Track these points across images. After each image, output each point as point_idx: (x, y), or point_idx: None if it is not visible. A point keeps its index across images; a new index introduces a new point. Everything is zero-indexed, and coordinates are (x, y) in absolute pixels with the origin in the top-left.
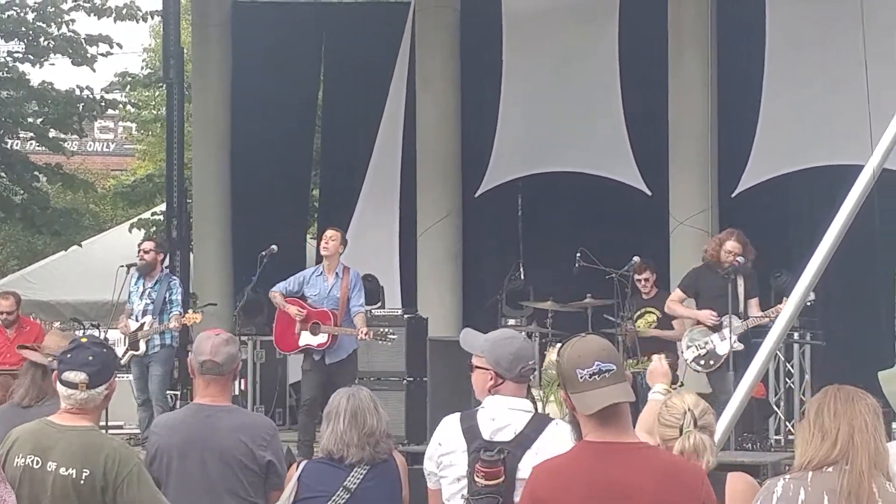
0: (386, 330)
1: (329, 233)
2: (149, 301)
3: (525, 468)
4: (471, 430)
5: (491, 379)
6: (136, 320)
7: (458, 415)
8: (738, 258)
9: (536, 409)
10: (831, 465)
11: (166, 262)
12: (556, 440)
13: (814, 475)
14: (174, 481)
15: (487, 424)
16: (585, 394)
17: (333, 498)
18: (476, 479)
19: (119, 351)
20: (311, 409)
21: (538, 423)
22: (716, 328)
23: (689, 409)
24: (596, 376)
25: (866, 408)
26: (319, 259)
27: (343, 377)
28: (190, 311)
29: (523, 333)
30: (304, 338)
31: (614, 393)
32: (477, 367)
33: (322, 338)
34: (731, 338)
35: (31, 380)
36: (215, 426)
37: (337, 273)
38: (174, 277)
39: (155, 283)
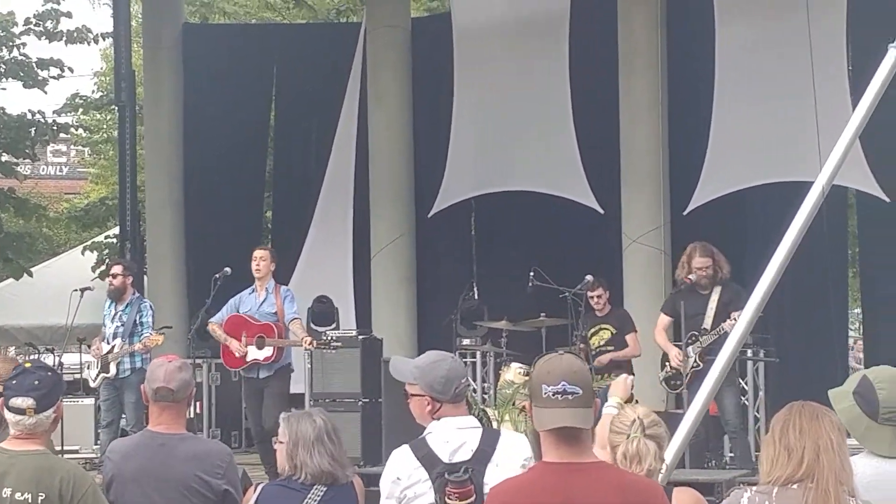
0: (329, 337)
1: (258, 253)
2: (119, 324)
3: (490, 481)
4: (428, 458)
5: (428, 404)
6: (108, 343)
7: (406, 447)
8: (701, 278)
9: (490, 425)
10: (796, 483)
11: (134, 284)
12: (513, 447)
13: (779, 490)
14: None
15: (442, 448)
16: (543, 410)
17: None
18: (448, 501)
19: (92, 374)
20: (264, 437)
21: (491, 437)
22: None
23: (638, 418)
24: (559, 395)
25: (831, 425)
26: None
27: (274, 395)
28: (152, 332)
29: (452, 354)
30: (250, 353)
31: (570, 416)
32: (412, 394)
33: (268, 351)
34: (692, 357)
35: None
36: (169, 455)
37: (267, 289)
38: (145, 300)
39: (126, 307)
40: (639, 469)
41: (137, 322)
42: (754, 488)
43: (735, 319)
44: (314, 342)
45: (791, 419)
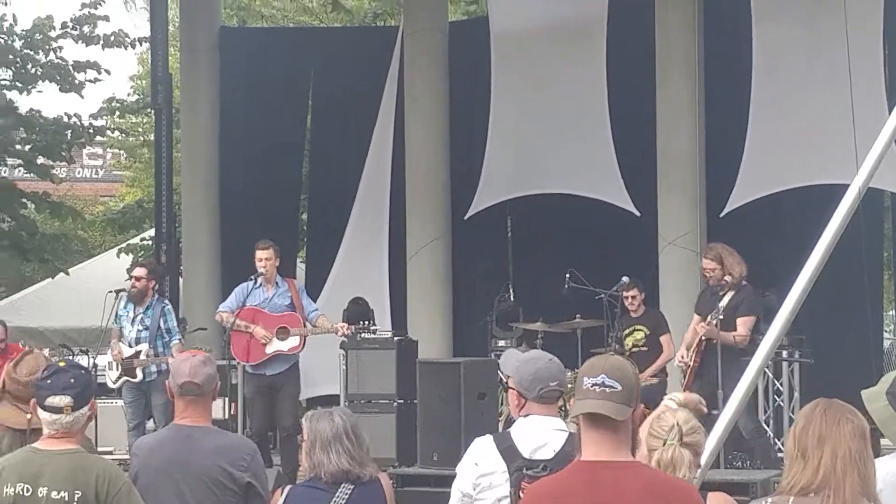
0: (366, 322)
1: (264, 253)
2: (142, 328)
3: None
4: (509, 451)
5: (517, 398)
6: (130, 346)
7: (489, 437)
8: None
9: None
10: (813, 492)
11: (156, 287)
12: None
13: (795, 500)
14: (153, 501)
15: (525, 443)
16: (580, 401)
17: None
18: (522, 495)
19: (112, 375)
20: (261, 439)
21: (577, 442)
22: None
23: (677, 424)
24: (597, 387)
25: (852, 432)
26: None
27: (287, 392)
28: (180, 339)
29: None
30: (273, 345)
31: (601, 405)
32: (510, 386)
33: (294, 341)
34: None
35: (8, 447)
36: (195, 447)
37: (277, 283)
38: (167, 302)
39: (147, 309)
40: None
41: (163, 328)
42: (771, 499)
43: (704, 328)
44: (352, 327)
45: (812, 422)
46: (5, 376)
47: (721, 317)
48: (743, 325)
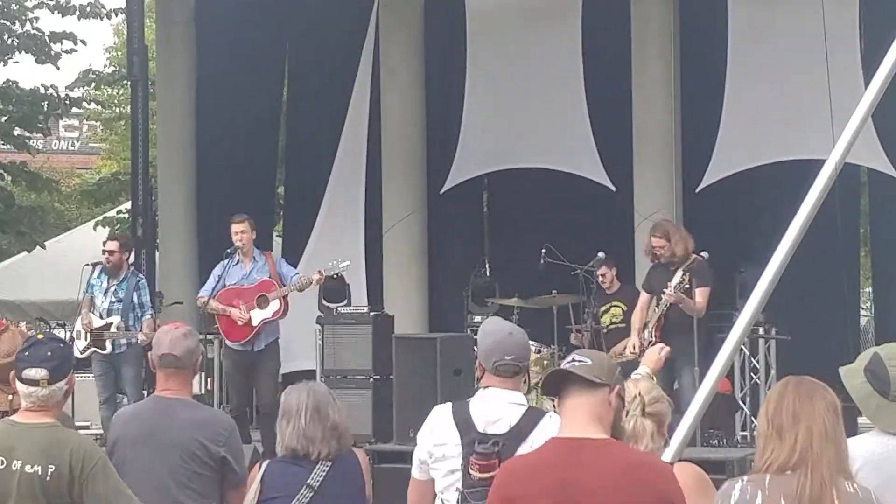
0: (335, 263)
1: (238, 227)
2: (115, 299)
3: None
4: (464, 423)
5: (480, 369)
6: (101, 317)
7: (449, 405)
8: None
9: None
10: (790, 470)
11: (131, 260)
12: (551, 433)
13: (772, 478)
14: (128, 471)
15: (481, 416)
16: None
17: (297, 497)
18: (471, 471)
19: (80, 345)
20: (240, 414)
21: (532, 417)
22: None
23: (639, 395)
24: (567, 364)
25: (825, 408)
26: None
27: (266, 368)
28: (151, 314)
29: (518, 328)
30: (256, 316)
31: (568, 368)
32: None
33: (275, 305)
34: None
35: None
36: (172, 418)
37: (255, 258)
38: (141, 276)
39: (122, 282)
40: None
41: (136, 302)
42: (746, 478)
43: (671, 290)
44: (322, 272)
45: (784, 400)
46: None
47: (687, 286)
48: (701, 294)
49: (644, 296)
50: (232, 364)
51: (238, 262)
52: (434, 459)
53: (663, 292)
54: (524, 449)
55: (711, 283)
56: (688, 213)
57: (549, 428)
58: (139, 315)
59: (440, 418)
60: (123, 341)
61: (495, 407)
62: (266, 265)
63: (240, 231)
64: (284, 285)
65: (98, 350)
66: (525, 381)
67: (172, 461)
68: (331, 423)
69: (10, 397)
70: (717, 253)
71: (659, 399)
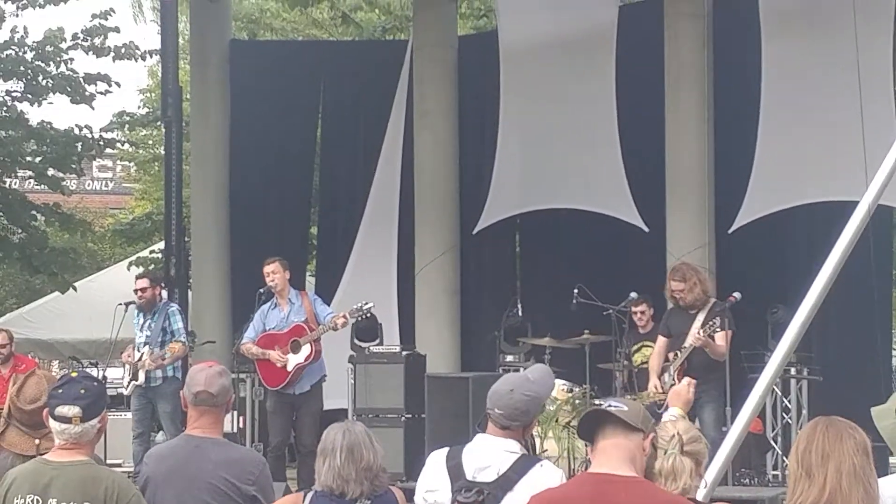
0: (359, 305)
1: (269, 268)
2: (148, 332)
3: None
4: (455, 469)
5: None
6: (138, 351)
7: (445, 451)
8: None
9: (532, 445)
10: None
11: (164, 295)
12: (539, 483)
13: None
14: None
15: (471, 462)
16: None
17: None
18: None
19: (125, 381)
20: (279, 453)
21: (522, 465)
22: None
23: (678, 434)
24: (603, 405)
25: (855, 448)
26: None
27: (308, 409)
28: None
29: (531, 389)
30: (291, 362)
31: (609, 411)
32: None
33: (307, 349)
34: (671, 375)
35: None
36: (203, 457)
37: (291, 300)
38: (172, 305)
39: (154, 314)
40: (674, 487)
41: (166, 329)
42: None
43: (699, 334)
44: (346, 315)
45: (814, 440)
46: (10, 402)
47: (720, 329)
48: (723, 339)
49: (661, 340)
50: (273, 403)
51: (276, 305)
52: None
53: (697, 335)
54: (510, 497)
55: (734, 326)
56: (721, 254)
57: (538, 477)
58: (168, 341)
59: (434, 464)
60: (159, 373)
61: (486, 454)
62: (302, 306)
63: (270, 272)
64: (320, 324)
65: (135, 383)
66: (531, 429)
67: (203, 499)
68: (364, 463)
69: (36, 442)
70: (749, 293)
71: (697, 439)
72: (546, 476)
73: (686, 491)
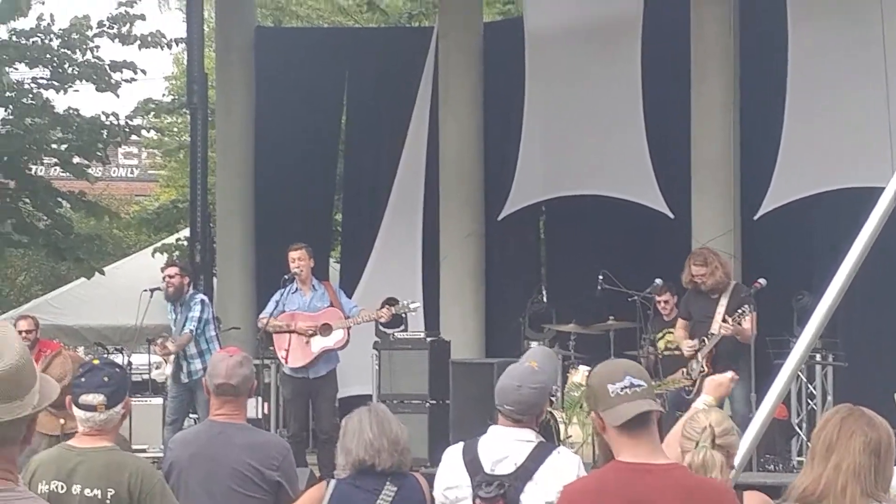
0: (406, 302)
1: (295, 254)
2: (176, 325)
3: (527, 499)
4: (472, 463)
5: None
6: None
7: (459, 446)
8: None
9: (557, 431)
10: (815, 500)
11: (190, 284)
12: (557, 470)
13: None
14: (183, 494)
15: (487, 456)
16: (618, 407)
17: None
18: None
19: (167, 370)
20: (298, 440)
21: (539, 454)
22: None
23: (710, 426)
24: (627, 389)
25: (863, 446)
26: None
27: (325, 395)
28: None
29: (538, 380)
30: (316, 343)
31: (645, 404)
32: None
33: (338, 335)
34: (700, 362)
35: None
36: (226, 443)
37: (314, 286)
38: (197, 295)
39: (182, 306)
40: None
41: (187, 317)
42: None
43: (729, 322)
44: (390, 311)
45: (826, 428)
46: None
47: (748, 314)
48: (749, 322)
49: (681, 322)
50: (290, 390)
51: (297, 290)
52: (448, 502)
53: (726, 325)
54: (531, 486)
55: (756, 309)
56: (746, 240)
57: (556, 464)
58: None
59: (451, 460)
60: (199, 366)
61: (502, 446)
62: (326, 294)
63: (296, 258)
64: (346, 315)
65: (179, 375)
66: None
67: (226, 485)
68: (393, 436)
69: (61, 421)
70: (774, 279)
71: (729, 431)
72: (564, 463)
73: None
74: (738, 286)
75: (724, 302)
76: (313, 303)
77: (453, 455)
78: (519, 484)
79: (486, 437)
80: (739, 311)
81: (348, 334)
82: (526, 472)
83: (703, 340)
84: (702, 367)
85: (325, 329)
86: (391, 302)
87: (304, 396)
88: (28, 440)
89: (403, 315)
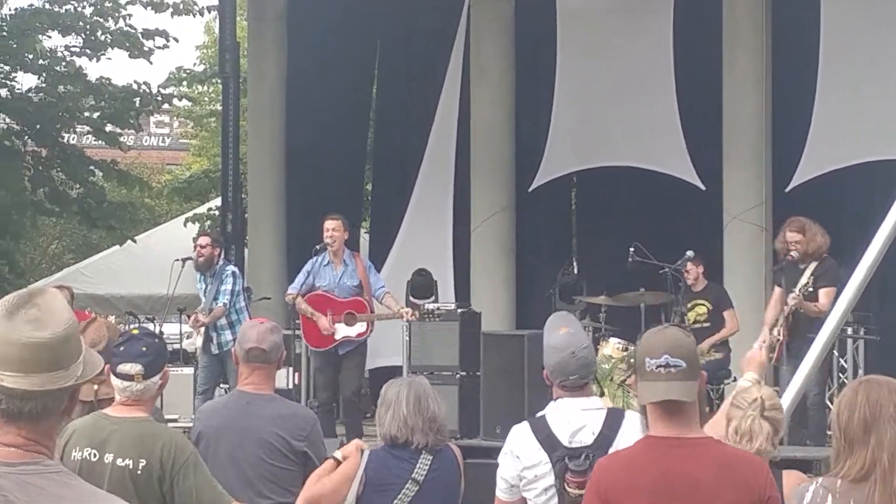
0: (429, 308)
1: (330, 224)
2: (210, 297)
3: None
4: (548, 441)
5: (547, 380)
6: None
7: (526, 426)
8: (791, 253)
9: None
10: (863, 479)
11: (221, 254)
12: (635, 433)
13: (843, 483)
14: (211, 464)
15: (563, 430)
16: (647, 384)
17: (403, 490)
18: (568, 489)
19: (198, 341)
20: (327, 409)
21: (613, 420)
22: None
23: (761, 398)
24: (662, 368)
25: (893, 414)
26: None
27: (352, 366)
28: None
29: (581, 340)
30: (340, 331)
31: (673, 389)
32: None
33: (361, 327)
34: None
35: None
36: (255, 413)
37: (345, 261)
38: (227, 266)
39: (213, 277)
40: (749, 447)
41: (218, 290)
42: (820, 480)
43: (795, 299)
44: (415, 313)
45: (856, 409)
46: None
47: (811, 289)
48: (825, 295)
49: (777, 291)
50: (320, 361)
51: (328, 262)
52: (526, 482)
53: (792, 292)
54: None
55: (838, 283)
56: (777, 213)
57: (631, 428)
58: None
59: (523, 440)
60: (230, 336)
61: (574, 417)
62: (356, 270)
63: (331, 229)
64: (372, 293)
65: (209, 346)
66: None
67: (254, 454)
68: (430, 414)
69: (95, 387)
70: None
71: (778, 407)
72: (635, 425)
73: (760, 453)
74: (826, 260)
75: (808, 272)
76: (343, 280)
77: (523, 435)
78: (601, 452)
79: (553, 411)
80: (805, 283)
81: (371, 327)
82: (606, 439)
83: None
84: (780, 335)
85: (350, 318)
86: (418, 283)
87: (333, 367)
88: (69, 412)
89: (427, 316)
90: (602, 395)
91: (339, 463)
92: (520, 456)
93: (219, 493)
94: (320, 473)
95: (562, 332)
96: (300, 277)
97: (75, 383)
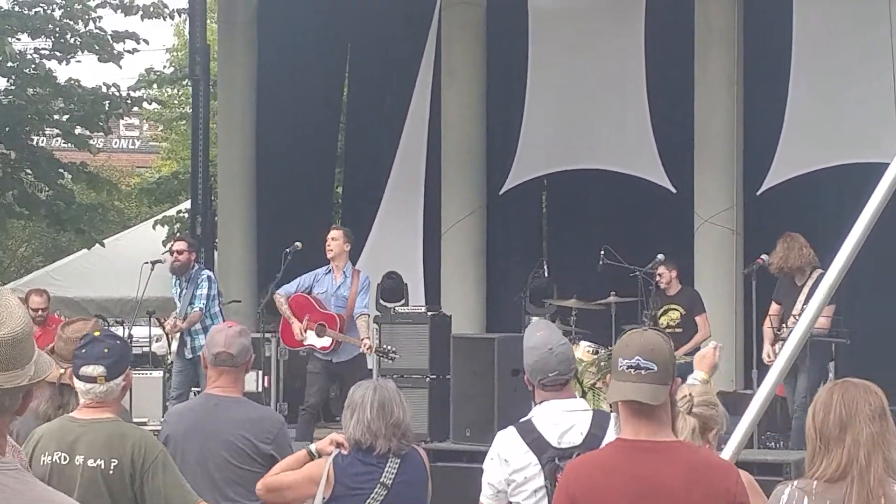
0: (388, 348)
1: (332, 233)
2: (185, 301)
3: None
4: (537, 443)
5: (527, 382)
6: (175, 319)
7: (512, 430)
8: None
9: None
10: (840, 479)
11: (197, 259)
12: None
13: (818, 483)
14: (179, 467)
15: (551, 431)
16: (616, 383)
17: (372, 495)
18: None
19: (174, 346)
20: (312, 413)
21: (600, 420)
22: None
23: (689, 395)
24: (632, 370)
25: (870, 414)
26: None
27: (353, 375)
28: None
29: (559, 339)
30: (309, 338)
31: (638, 391)
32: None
33: (325, 341)
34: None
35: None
36: (222, 416)
37: (345, 273)
38: (203, 271)
39: (188, 281)
40: None
41: (193, 295)
42: (796, 483)
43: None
44: (372, 348)
45: (831, 410)
46: (56, 336)
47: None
48: (828, 311)
49: (774, 306)
50: (315, 366)
51: (330, 271)
52: (516, 485)
53: (793, 316)
54: None
55: (835, 301)
56: (749, 216)
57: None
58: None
59: (510, 444)
60: (203, 341)
61: (561, 418)
62: (350, 287)
63: (331, 238)
64: (352, 313)
65: (182, 352)
66: (579, 383)
67: (220, 457)
68: (394, 419)
69: (61, 371)
70: None
71: (708, 403)
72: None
73: None
74: (823, 275)
75: (805, 289)
76: (339, 291)
77: (510, 439)
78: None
79: (539, 414)
80: (801, 305)
81: (336, 344)
82: (595, 439)
83: (785, 327)
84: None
85: (321, 330)
86: (389, 286)
87: (326, 375)
88: (21, 412)
89: (383, 356)
90: (584, 395)
91: (311, 456)
92: (508, 460)
93: (187, 491)
94: (290, 463)
95: (539, 333)
96: (292, 285)
97: (29, 383)
